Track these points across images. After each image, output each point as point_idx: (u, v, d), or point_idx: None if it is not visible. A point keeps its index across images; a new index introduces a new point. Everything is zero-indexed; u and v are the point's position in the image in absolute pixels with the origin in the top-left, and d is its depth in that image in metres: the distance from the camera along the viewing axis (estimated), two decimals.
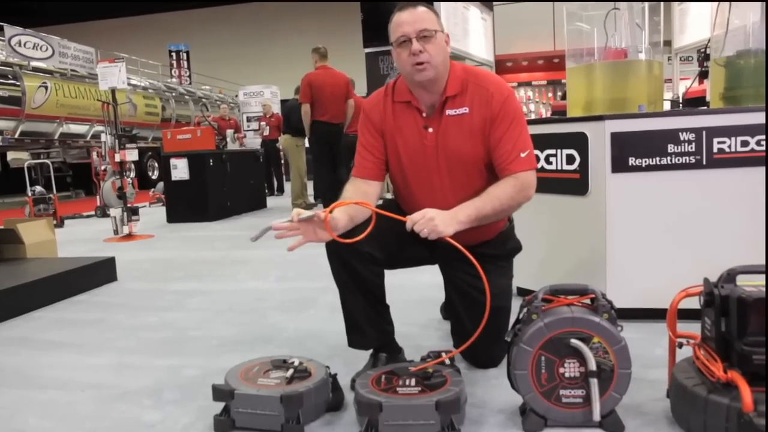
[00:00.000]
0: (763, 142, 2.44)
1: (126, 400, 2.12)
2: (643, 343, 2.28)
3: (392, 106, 2.11)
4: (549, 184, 2.77)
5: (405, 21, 1.95)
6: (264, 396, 1.78)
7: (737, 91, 2.72)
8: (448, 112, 2.02)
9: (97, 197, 8.81)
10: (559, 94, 11.04)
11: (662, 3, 3.05)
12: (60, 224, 7.63)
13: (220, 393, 1.83)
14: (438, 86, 2.02)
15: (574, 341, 1.67)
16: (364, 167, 2.16)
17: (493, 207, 1.94)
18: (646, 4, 2.90)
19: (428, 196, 2.06)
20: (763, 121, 2.43)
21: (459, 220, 1.87)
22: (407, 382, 1.81)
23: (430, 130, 2.04)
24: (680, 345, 1.78)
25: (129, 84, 11.50)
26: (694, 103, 4.02)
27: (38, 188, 8.59)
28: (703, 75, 3.98)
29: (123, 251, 5.18)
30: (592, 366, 1.65)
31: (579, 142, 2.67)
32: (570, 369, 1.69)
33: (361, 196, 2.04)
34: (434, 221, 1.82)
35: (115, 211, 6.34)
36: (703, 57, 3.98)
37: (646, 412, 1.79)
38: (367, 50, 7.08)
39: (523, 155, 1.97)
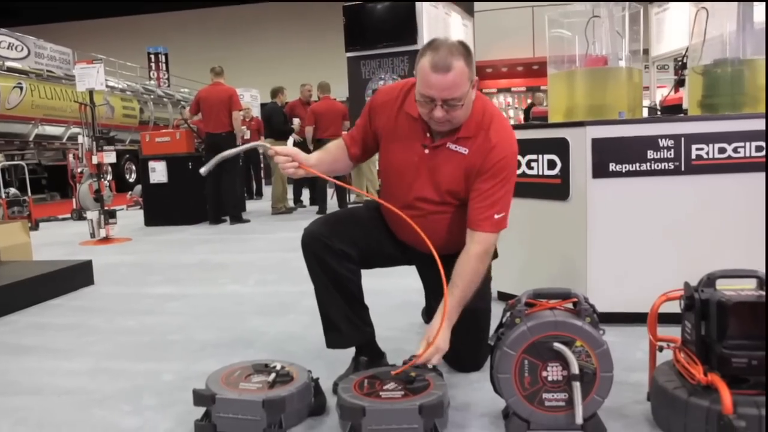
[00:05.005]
0: (740, 149, 2.49)
1: (104, 406, 2.09)
2: (623, 346, 2.30)
3: (399, 112, 2.08)
4: (530, 188, 2.79)
5: (434, 85, 1.83)
6: (246, 401, 1.76)
7: (714, 99, 2.77)
8: (449, 145, 2.00)
9: (73, 200, 8.68)
10: (529, 101, 11.10)
11: (641, 11, 3.08)
12: (35, 227, 7.50)
13: (201, 398, 1.81)
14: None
15: (557, 345, 1.68)
16: (351, 146, 2.22)
17: (468, 290, 1.96)
18: (627, 12, 2.93)
19: (405, 192, 2.08)
20: (738, 128, 2.48)
21: (451, 325, 1.91)
22: (390, 386, 1.80)
23: (427, 151, 2.03)
24: (660, 348, 1.80)
25: (107, 86, 11.36)
26: (671, 111, 4.08)
27: (12, 190, 8.46)
28: (679, 83, 4.04)
29: (100, 255, 5.10)
30: (575, 369, 1.66)
31: (560, 147, 2.70)
32: (553, 372, 1.70)
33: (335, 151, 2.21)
34: (440, 352, 1.87)
35: (92, 214, 6.25)
36: (680, 66, 4.05)
37: (627, 415, 1.81)
38: (349, 54, 7.10)
39: (497, 217, 1.97)
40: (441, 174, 2.02)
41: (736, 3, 2.73)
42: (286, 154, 1.99)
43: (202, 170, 2.15)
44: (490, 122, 1.99)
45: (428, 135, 2.02)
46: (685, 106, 3.68)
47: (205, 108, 7.32)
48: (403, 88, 2.09)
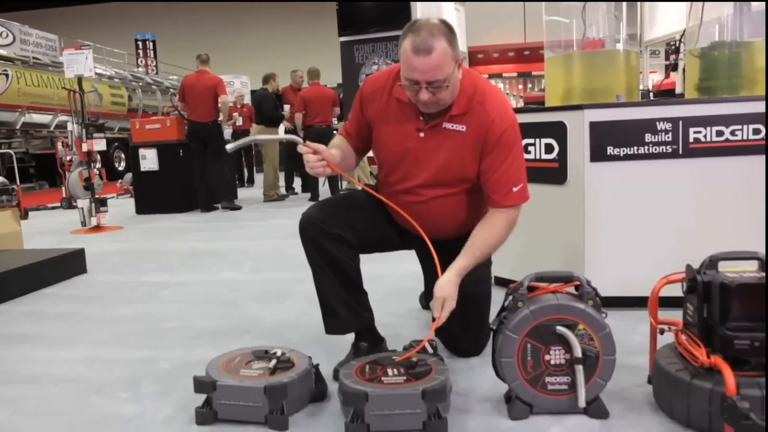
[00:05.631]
0: (738, 132, 2.48)
1: (102, 394, 2.07)
2: (622, 330, 2.30)
3: (389, 98, 2.05)
4: (528, 173, 2.76)
5: (417, 68, 1.79)
6: (247, 387, 1.75)
7: (711, 82, 2.76)
8: (446, 125, 1.97)
9: (63, 188, 8.59)
10: (529, 86, 11.12)
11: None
12: (24, 216, 7.42)
13: (201, 385, 1.79)
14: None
15: (559, 328, 1.67)
16: (350, 140, 2.19)
17: (484, 255, 1.99)
18: None
19: (404, 179, 2.06)
20: (736, 111, 2.48)
21: (460, 278, 1.90)
22: (392, 372, 1.79)
23: (422, 135, 2.00)
24: (662, 331, 1.80)
25: (95, 73, 11.23)
26: (664, 96, 4.07)
27: (1, 179, 8.34)
28: (672, 68, 4.03)
29: (91, 243, 5.06)
30: (578, 353, 1.66)
31: (558, 131, 2.69)
32: (556, 356, 1.70)
33: (344, 147, 2.16)
34: (450, 303, 1.85)
35: (83, 203, 6.19)
36: (673, 50, 4.03)
37: (628, 398, 1.81)
38: (342, 39, 7.04)
39: (515, 189, 1.96)
40: (440, 156, 1.99)
41: None
42: (315, 150, 1.91)
43: (228, 147, 2.19)
44: (483, 96, 1.96)
45: (421, 118, 1.99)
46: (678, 90, 3.68)
47: (191, 96, 7.23)
48: (391, 74, 2.06)
